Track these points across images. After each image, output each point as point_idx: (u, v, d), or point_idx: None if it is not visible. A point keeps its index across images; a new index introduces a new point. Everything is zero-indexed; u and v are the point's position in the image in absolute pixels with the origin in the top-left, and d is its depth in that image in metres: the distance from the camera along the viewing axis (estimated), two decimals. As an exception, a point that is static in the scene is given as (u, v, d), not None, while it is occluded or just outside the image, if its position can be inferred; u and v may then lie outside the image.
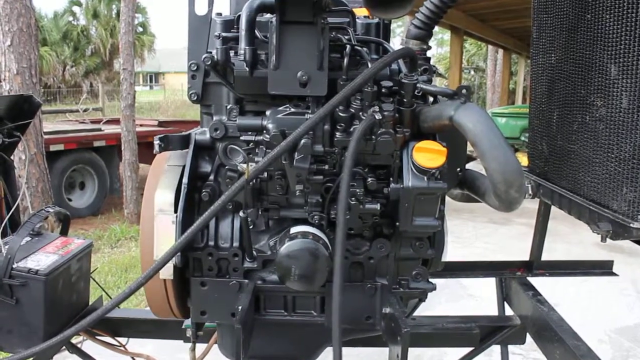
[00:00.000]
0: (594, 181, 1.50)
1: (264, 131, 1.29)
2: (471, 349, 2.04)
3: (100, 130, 8.32)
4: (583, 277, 2.17)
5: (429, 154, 1.23)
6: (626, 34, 1.33)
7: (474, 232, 6.90)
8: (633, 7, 1.30)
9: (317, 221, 1.34)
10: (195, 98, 1.42)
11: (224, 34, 1.44)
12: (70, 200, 7.80)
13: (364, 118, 1.24)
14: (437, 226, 1.32)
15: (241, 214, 1.30)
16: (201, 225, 1.21)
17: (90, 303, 2.06)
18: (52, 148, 7.16)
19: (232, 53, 1.39)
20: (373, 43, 1.46)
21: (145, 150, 8.40)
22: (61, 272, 1.75)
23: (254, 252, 1.41)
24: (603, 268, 2.18)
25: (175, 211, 1.36)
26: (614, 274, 2.16)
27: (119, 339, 2.12)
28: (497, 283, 2.19)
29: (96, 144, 7.92)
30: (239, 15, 1.44)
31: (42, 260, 1.74)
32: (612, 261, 2.18)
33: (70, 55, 25.69)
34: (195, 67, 1.40)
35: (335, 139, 1.25)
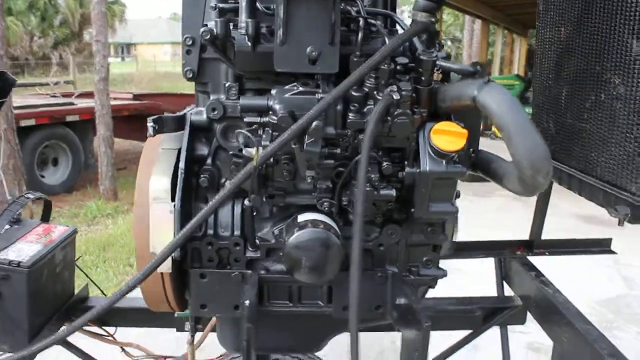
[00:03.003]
0: (608, 162, 1.45)
1: (270, 112, 1.18)
2: (471, 331, 2.01)
3: (72, 104, 8.01)
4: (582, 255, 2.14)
5: (448, 137, 1.15)
6: (651, 6, 1.26)
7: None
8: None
9: (326, 208, 1.25)
10: (190, 75, 1.30)
11: (220, 5, 1.31)
12: (43, 177, 7.55)
13: (379, 98, 1.15)
14: (454, 212, 1.25)
15: (246, 202, 1.20)
16: (206, 215, 1.12)
17: (75, 292, 1.97)
18: (23, 123, 6.88)
19: (231, 26, 1.28)
20: (381, 15, 1.36)
21: (120, 125, 8.17)
22: (45, 263, 1.64)
23: (257, 241, 1.33)
24: (602, 246, 2.15)
25: (172, 199, 1.26)
26: (613, 252, 2.14)
27: (107, 328, 2.03)
28: (496, 263, 2.16)
29: (69, 118, 7.63)
30: None
31: (24, 250, 1.62)
32: (611, 239, 2.16)
33: (37, 26, 24.69)
34: (190, 42, 1.28)
35: (349, 121, 1.16)
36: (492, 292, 2.18)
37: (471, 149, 1.41)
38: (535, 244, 2.10)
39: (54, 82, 10.33)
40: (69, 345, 1.89)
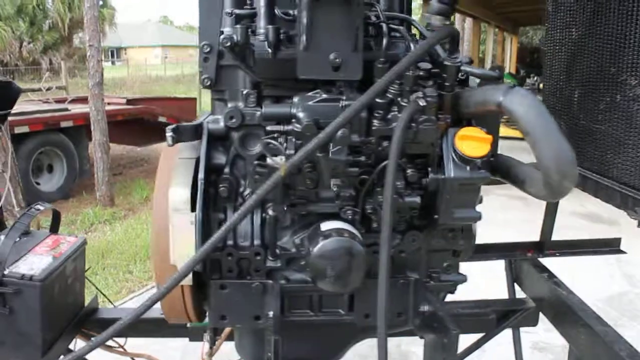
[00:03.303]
0: (625, 163, 1.45)
1: (294, 120, 1.17)
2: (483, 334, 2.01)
3: (66, 110, 7.94)
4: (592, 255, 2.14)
5: (473, 142, 1.14)
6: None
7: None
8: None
9: (350, 216, 1.24)
10: (208, 83, 1.29)
11: (237, 11, 1.30)
12: (38, 184, 7.48)
13: (403, 104, 1.14)
14: (478, 217, 1.24)
15: (270, 212, 1.19)
16: (231, 227, 1.10)
17: (85, 303, 1.94)
18: (17, 130, 6.81)
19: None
20: (398, 19, 1.35)
21: (115, 130, 8.10)
22: (57, 276, 1.62)
23: (278, 250, 1.31)
24: (611, 246, 2.15)
25: (192, 209, 1.24)
26: (622, 252, 2.14)
27: (117, 339, 2.00)
28: (507, 265, 2.15)
29: (63, 124, 7.56)
30: None
31: (35, 263, 1.60)
32: (620, 238, 2.16)
33: (26, 31, 24.49)
34: (208, 49, 1.26)
35: (373, 128, 1.15)
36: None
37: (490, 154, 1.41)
38: (546, 246, 2.10)
39: (46, 87, 10.23)
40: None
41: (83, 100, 8.38)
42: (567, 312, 1.73)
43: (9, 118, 6.50)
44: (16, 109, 7.69)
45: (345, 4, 1.10)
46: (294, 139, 1.16)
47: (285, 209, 1.26)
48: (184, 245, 1.24)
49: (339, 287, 1.20)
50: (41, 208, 1.76)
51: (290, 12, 1.23)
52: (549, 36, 1.87)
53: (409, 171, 1.20)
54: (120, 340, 2.03)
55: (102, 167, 7.08)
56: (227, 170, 1.32)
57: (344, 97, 1.15)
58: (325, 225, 1.23)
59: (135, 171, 9.81)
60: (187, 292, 1.32)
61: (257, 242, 1.30)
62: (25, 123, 7.02)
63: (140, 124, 8.89)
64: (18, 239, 1.68)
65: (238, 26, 1.15)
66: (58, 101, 9.54)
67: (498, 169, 1.38)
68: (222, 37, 1.15)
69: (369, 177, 1.20)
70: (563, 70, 1.78)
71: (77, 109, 8.09)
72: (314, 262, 1.17)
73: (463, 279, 1.41)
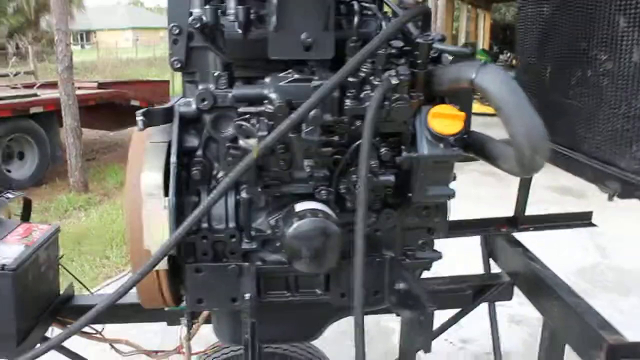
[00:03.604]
0: (596, 138, 1.47)
1: (266, 101, 1.16)
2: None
3: (36, 95, 7.72)
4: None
5: (446, 120, 1.15)
6: (638, -18, 1.26)
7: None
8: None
9: (324, 197, 1.24)
10: (178, 65, 1.26)
11: None
12: (9, 171, 7.30)
13: (375, 83, 1.13)
14: (452, 194, 1.25)
15: (243, 194, 1.18)
16: (204, 211, 1.09)
17: (61, 290, 1.92)
18: (-16, 117, 6.64)
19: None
20: (371, -3, 1.33)
21: (87, 115, 7.94)
22: (30, 264, 1.58)
23: (253, 232, 1.31)
24: (583, 219, 2.20)
25: (166, 194, 1.22)
26: (594, 225, 2.19)
27: (94, 326, 1.98)
28: (482, 240, 2.18)
29: (33, 110, 7.34)
30: None
31: (6, 252, 1.56)
32: (591, 212, 2.21)
33: (-11, 15, 23.73)
34: (177, 31, 1.23)
35: (346, 107, 1.14)
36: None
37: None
38: (520, 220, 2.13)
39: (13, 73, 9.94)
40: (60, 346, 1.84)
41: (53, 85, 8.17)
42: (540, 286, 1.76)
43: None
44: (-17, 95, 7.51)
45: None
46: (266, 120, 1.15)
47: (259, 190, 1.25)
48: (157, 230, 1.23)
49: (314, 268, 1.20)
50: (11, 196, 1.72)
51: None
52: (521, 12, 1.87)
53: (382, 150, 1.20)
54: (98, 327, 2.01)
55: (74, 153, 6.94)
56: (199, 153, 1.30)
57: (316, 77, 1.14)
58: (300, 206, 1.22)
59: (109, 156, 9.65)
60: (163, 277, 1.31)
61: (231, 224, 1.29)
62: (-7, 109, 6.83)
63: (112, 108, 8.71)
64: (-13, 228, 1.65)
65: (207, 7, 1.13)
66: (27, 86, 9.28)
67: (472, 145, 1.39)
68: (191, 18, 1.13)
69: (343, 157, 1.20)
70: (535, 47, 1.79)
71: (47, 94, 7.87)
72: (288, 243, 1.17)
73: (438, 256, 1.42)
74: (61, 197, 6.82)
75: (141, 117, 1.19)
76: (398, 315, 1.35)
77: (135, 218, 1.25)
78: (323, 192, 1.23)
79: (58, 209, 6.51)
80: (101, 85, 9.14)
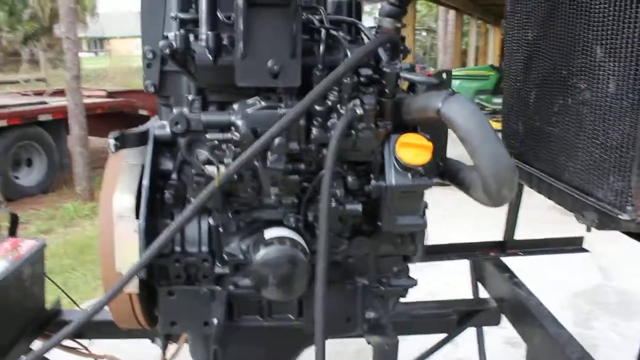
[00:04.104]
0: (576, 167, 1.45)
1: (233, 128, 1.16)
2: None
3: (45, 103, 7.81)
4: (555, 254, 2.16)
5: (414, 150, 1.14)
6: (614, 13, 1.26)
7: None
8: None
9: (292, 223, 1.24)
10: (152, 89, 1.27)
11: (181, 16, 1.29)
12: (17, 178, 7.37)
13: (342, 112, 1.14)
14: (422, 224, 1.24)
15: (211, 221, 1.18)
16: (169, 236, 1.09)
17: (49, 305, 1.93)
18: (-6, 124, 6.72)
19: (191, 37, 1.25)
20: (346, 24, 1.34)
21: (95, 123, 7.99)
22: (12, 280, 1.60)
23: (225, 256, 1.31)
24: (574, 244, 2.17)
25: (137, 216, 1.23)
26: (585, 250, 2.16)
27: (80, 340, 1.99)
28: (470, 264, 2.17)
29: (42, 118, 7.43)
30: None
31: (-11, 267, 1.58)
32: (582, 237, 2.18)
33: (5, 21, 24.00)
34: (151, 55, 1.24)
35: (312, 136, 1.15)
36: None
37: (439, 159, 1.41)
38: (508, 245, 2.11)
39: (24, 79, 10.07)
40: (42, 361, 1.85)
41: (62, 92, 8.26)
42: (525, 314, 1.75)
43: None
44: (-6, 102, 7.61)
45: (282, 9, 1.09)
46: (232, 147, 1.15)
47: (229, 216, 1.26)
48: (128, 252, 1.24)
49: (281, 296, 1.20)
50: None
51: (232, 16, 1.21)
52: (507, 35, 1.87)
53: (349, 179, 1.20)
54: (85, 342, 2.02)
55: (81, 162, 7.00)
56: (174, 176, 1.31)
57: (283, 105, 1.15)
58: (268, 233, 1.22)
59: (117, 164, 9.72)
60: (135, 300, 1.31)
61: (204, 248, 1.29)
62: (3, 117, 6.90)
63: (120, 117, 8.77)
64: (-27, 243, 1.67)
65: (177, 32, 1.14)
66: (37, 94, 9.40)
67: (446, 172, 1.38)
68: (161, 43, 1.14)
69: (310, 185, 1.20)
70: (520, 71, 1.78)
71: (56, 101, 7.97)
72: (255, 270, 1.17)
73: (413, 283, 1.41)
74: (67, 205, 6.87)
75: (113, 142, 1.20)
76: (369, 343, 1.34)
77: (107, 240, 1.26)
78: (292, 219, 1.23)
79: (64, 217, 6.55)
80: (110, 94, 9.23)
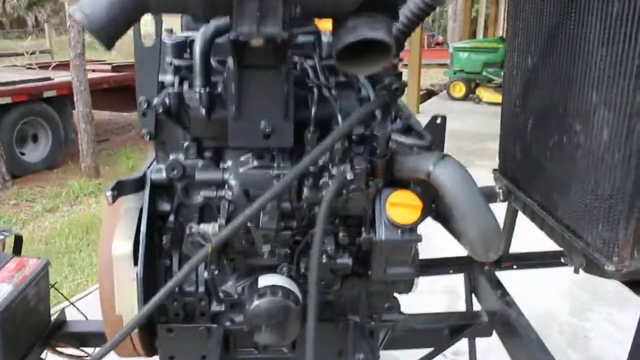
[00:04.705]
0: (568, 207, 1.47)
1: (226, 186, 1.19)
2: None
3: (50, 79, 7.81)
4: (548, 267, 2.19)
5: (403, 209, 1.16)
6: (611, 63, 1.25)
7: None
8: (623, 38, 1.20)
9: (285, 273, 1.27)
10: (148, 137, 1.29)
11: (176, 62, 1.29)
12: (23, 154, 7.44)
13: (333, 173, 1.15)
14: (411, 273, 1.27)
15: (206, 274, 1.22)
16: (164, 295, 1.13)
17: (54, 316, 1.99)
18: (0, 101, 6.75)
19: (186, 85, 1.26)
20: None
21: (100, 97, 8.03)
22: (17, 304, 1.65)
23: (221, 295, 1.35)
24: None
25: (135, 263, 1.27)
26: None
27: (85, 349, 2.06)
28: (465, 277, 2.20)
29: (46, 94, 7.46)
30: (192, 40, 1.30)
31: (-5, 292, 1.63)
32: (578, 249, 2.21)
33: (9, -14, 23.73)
34: (146, 105, 1.26)
35: (304, 196, 1.17)
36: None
37: (431, 201, 1.43)
38: (503, 258, 2.14)
39: (29, 52, 10.02)
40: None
41: (67, 65, 8.22)
42: (513, 334, 1.79)
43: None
44: (-1, 77, 7.62)
45: (273, 71, 1.10)
46: (226, 206, 1.18)
47: (224, 262, 1.29)
48: (128, 298, 1.28)
49: (275, 342, 1.25)
50: (6, 233, 1.79)
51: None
52: (508, 57, 1.86)
53: (341, 235, 1.22)
54: (89, 350, 2.09)
55: (86, 139, 7.04)
56: (171, 218, 1.34)
57: (275, 165, 1.17)
58: (262, 281, 1.26)
59: (122, 138, 9.76)
60: (135, 336, 1.36)
61: (201, 288, 1.34)
62: (8, 94, 6.93)
63: (125, 90, 8.78)
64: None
65: (170, 91, 1.15)
66: (42, 67, 9.38)
67: (439, 216, 1.40)
68: (155, 101, 1.15)
69: (302, 239, 1.23)
70: (519, 96, 1.78)
71: (60, 76, 7.95)
72: (249, 319, 1.21)
73: (403, 317, 1.45)
74: (72, 182, 6.94)
75: (110, 192, 1.23)
76: None
77: (108, 283, 1.30)
78: (285, 268, 1.27)
79: (69, 195, 6.63)
80: (115, 68, 9.19)
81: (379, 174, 1.18)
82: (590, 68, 1.33)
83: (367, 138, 1.19)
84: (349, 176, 1.11)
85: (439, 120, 1.36)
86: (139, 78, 1.27)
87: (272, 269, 1.30)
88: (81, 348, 2.04)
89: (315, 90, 1.16)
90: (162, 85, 1.29)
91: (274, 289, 1.22)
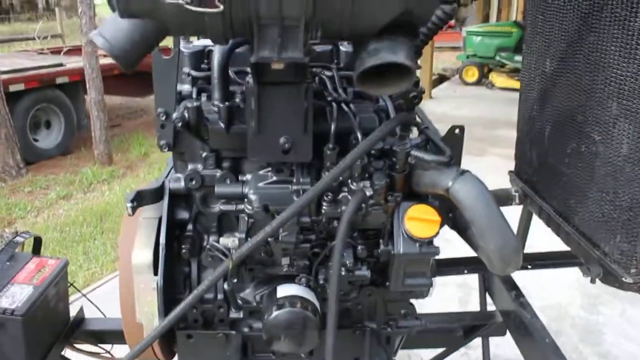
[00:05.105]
0: (585, 215, 1.46)
1: (245, 200, 1.19)
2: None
3: (61, 64, 7.82)
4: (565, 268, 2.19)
5: (421, 224, 1.17)
6: (633, 75, 1.23)
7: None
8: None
9: (304, 284, 1.29)
10: (166, 149, 1.30)
11: (194, 74, 1.30)
12: (36, 140, 7.50)
13: (352, 187, 1.16)
14: (429, 284, 1.28)
15: (225, 286, 1.23)
16: (186, 307, 1.15)
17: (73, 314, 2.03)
18: (12, 88, 6.78)
19: (203, 97, 1.27)
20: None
21: (112, 83, 8.03)
22: (39, 305, 1.69)
23: (240, 301, 1.37)
24: (583, 257, 2.19)
25: (155, 272, 1.29)
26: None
27: (103, 345, 2.10)
28: (480, 277, 2.21)
29: (59, 80, 7.49)
30: (210, 50, 1.30)
31: (17, 294, 1.66)
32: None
33: (19, -32, 23.72)
34: (164, 117, 1.26)
35: (323, 211, 1.17)
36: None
37: (449, 211, 1.43)
38: (518, 258, 2.14)
39: (41, 36, 10.03)
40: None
41: (78, 50, 8.23)
42: (528, 337, 1.80)
43: (3, 77, 6.47)
44: (11, 63, 7.64)
45: (293, 87, 1.10)
46: (246, 218, 1.19)
47: (244, 271, 1.31)
48: (148, 306, 1.30)
49: (293, 351, 1.26)
50: (26, 236, 1.82)
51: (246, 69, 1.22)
52: (525, 60, 1.83)
53: (359, 248, 1.23)
54: (107, 346, 2.13)
55: (99, 126, 7.08)
56: (190, 227, 1.35)
57: (295, 180, 1.17)
58: (281, 291, 1.27)
59: (134, 123, 9.80)
60: (155, 345, 1.39)
61: (220, 295, 1.36)
62: (21, 81, 6.96)
63: (137, 75, 8.75)
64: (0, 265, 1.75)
65: (189, 105, 1.15)
66: (54, 52, 9.39)
67: (457, 226, 1.41)
68: (174, 116, 1.16)
69: (321, 252, 1.24)
70: (537, 100, 1.76)
71: (72, 62, 7.96)
72: (268, 330, 1.23)
73: (420, 324, 1.47)
74: (86, 169, 7.00)
75: (130, 204, 1.24)
76: None
77: (128, 292, 1.33)
78: (303, 279, 1.28)
79: (82, 182, 6.69)
80: (126, 53, 9.16)
81: (397, 188, 1.18)
82: (611, 79, 1.31)
83: (386, 152, 1.19)
84: (369, 192, 1.12)
85: (457, 131, 1.35)
86: (157, 89, 1.27)
87: (290, 279, 1.31)
88: (99, 345, 2.10)
89: (334, 104, 1.16)
90: (179, 95, 1.30)
91: (292, 299, 1.24)
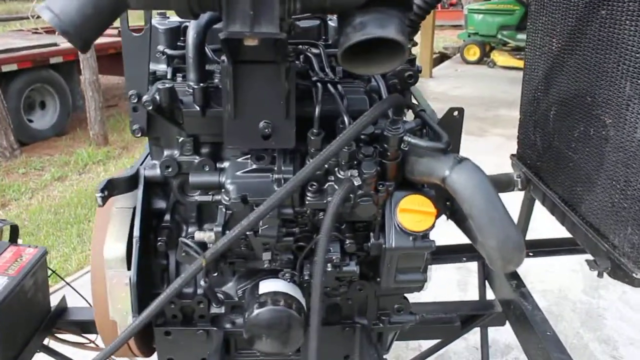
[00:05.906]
0: (593, 204, 1.37)
1: (223, 190, 1.10)
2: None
3: (56, 44, 7.66)
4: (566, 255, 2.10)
5: (416, 216, 1.07)
6: (649, 52, 1.12)
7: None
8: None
9: (288, 279, 1.19)
10: (139, 133, 1.20)
11: (168, 52, 1.19)
12: (31, 121, 7.38)
13: (339, 176, 1.05)
14: (423, 280, 1.19)
15: (202, 282, 1.14)
16: (160, 305, 1.06)
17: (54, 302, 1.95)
18: (5, 69, 6.64)
19: (179, 78, 1.16)
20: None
21: (107, 62, 7.89)
22: (14, 295, 1.60)
23: (221, 297, 1.28)
24: (587, 244, 2.10)
25: (129, 267, 1.20)
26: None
27: (87, 335, 2.03)
28: (479, 265, 2.12)
29: (53, 60, 7.34)
30: (186, 26, 1.19)
31: (-10, 285, 1.58)
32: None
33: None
34: (136, 99, 1.16)
35: (307, 202, 1.07)
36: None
37: (446, 199, 1.33)
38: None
39: (34, 16, 9.80)
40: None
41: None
42: (528, 330, 1.71)
43: (-3, 57, 6.33)
44: (4, 43, 7.48)
45: (272, 66, 0.99)
46: (224, 209, 1.09)
47: (224, 265, 1.22)
48: (121, 302, 1.22)
49: (276, 350, 1.18)
50: (1, 224, 1.74)
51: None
52: (530, 37, 1.71)
53: (347, 242, 1.14)
54: (92, 336, 2.05)
55: (93, 106, 6.95)
56: (167, 217, 1.26)
57: (276, 168, 1.07)
58: (264, 287, 1.18)
59: (131, 103, 9.65)
60: (132, 343, 1.30)
61: (200, 290, 1.27)
62: (14, 61, 6.81)
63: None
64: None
65: (161, 86, 1.05)
66: (48, 31, 9.20)
67: (454, 215, 1.31)
68: (144, 99, 1.05)
69: (306, 245, 1.14)
70: (542, 81, 1.65)
71: (66, 42, 7.79)
72: (249, 328, 1.14)
73: (414, 319, 1.38)
74: (81, 150, 6.90)
75: (100, 194, 1.14)
76: None
77: (100, 287, 1.24)
78: (287, 274, 1.19)
79: (78, 163, 6.59)
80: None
81: (389, 177, 1.08)
82: (624, 57, 1.20)
83: (377, 138, 1.08)
84: (357, 182, 1.01)
85: (456, 114, 1.24)
86: (128, 69, 1.16)
87: (274, 273, 1.22)
88: (83, 335, 2.02)
89: (319, 85, 1.05)
90: (154, 76, 1.20)
91: (275, 296, 1.15)
